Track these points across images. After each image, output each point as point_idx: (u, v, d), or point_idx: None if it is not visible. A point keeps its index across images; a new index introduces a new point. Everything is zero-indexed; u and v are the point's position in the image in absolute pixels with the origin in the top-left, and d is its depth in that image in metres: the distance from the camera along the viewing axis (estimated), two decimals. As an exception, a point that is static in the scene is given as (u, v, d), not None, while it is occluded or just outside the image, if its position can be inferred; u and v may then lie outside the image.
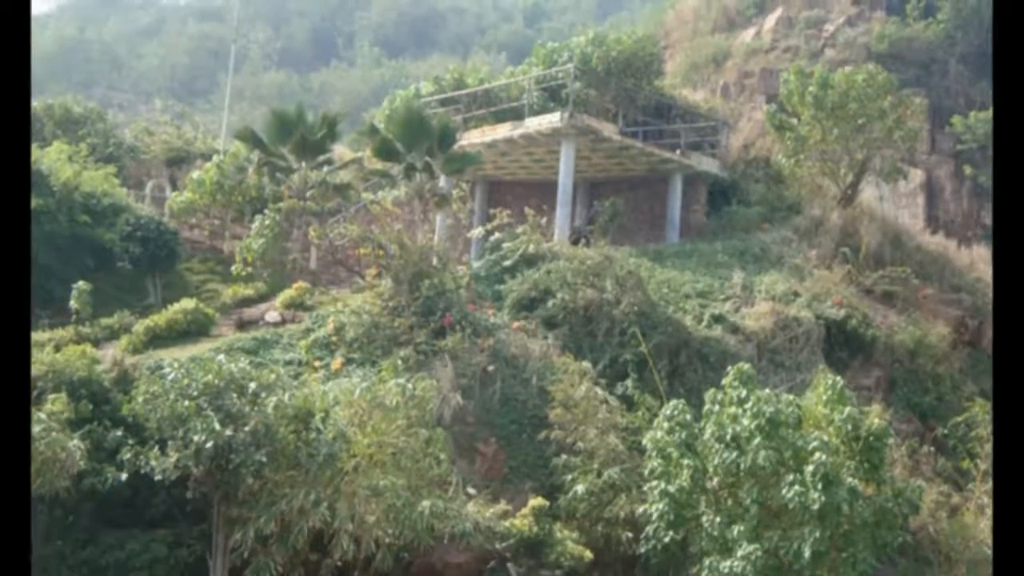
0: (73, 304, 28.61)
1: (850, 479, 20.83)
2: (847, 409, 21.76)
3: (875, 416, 23.87)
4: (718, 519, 21.21)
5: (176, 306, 29.45)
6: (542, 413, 25.77)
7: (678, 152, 39.03)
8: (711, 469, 21.54)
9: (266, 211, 32.66)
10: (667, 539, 21.72)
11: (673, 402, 22.65)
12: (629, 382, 27.27)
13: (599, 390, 26.17)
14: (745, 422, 21.15)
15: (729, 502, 21.50)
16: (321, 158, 34.71)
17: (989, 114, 40.66)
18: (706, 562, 21.12)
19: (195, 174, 38.97)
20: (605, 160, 39.32)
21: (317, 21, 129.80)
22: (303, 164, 34.07)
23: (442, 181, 35.05)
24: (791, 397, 22.23)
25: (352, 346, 27.21)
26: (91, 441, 21.95)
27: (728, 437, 21.26)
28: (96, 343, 27.39)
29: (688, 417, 22.11)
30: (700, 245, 36.36)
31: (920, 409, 31.28)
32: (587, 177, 40.85)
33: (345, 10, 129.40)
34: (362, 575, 21.03)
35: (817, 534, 20.29)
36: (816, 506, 20.19)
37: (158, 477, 21.14)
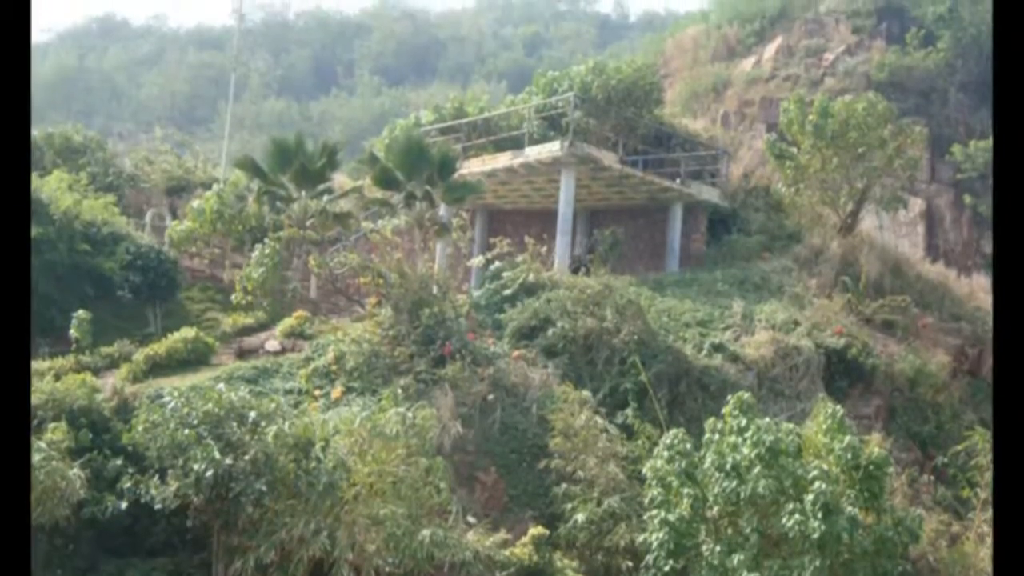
0: (73, 333, 28.67)
1: (850, 508, 20.78)
2: (847, 438, 21.71)
3: (875, 445, 23.89)
4: (718, 548, 21.12)
5: (176, 335, 29.42)
6: (542, 442, 25.75)
7: (678, 181, 39.08)
8: (711, 498, 21.49)
9: (266, 240, 32.69)
10: (667, 568, 21.59)
11: (673, 431, 22.59)
12: (629, 411, 27.18)
13: (599, 419, 26.18)
14: (745, 451, 21.12)
15: (729, 531, 21.43)
16: (321, 187, 34.76)
17: (989, 143, 40.71)
18: (707, 591, 21.10)
19: (195, 203, 38.96)
20: (605, 189, 39.36)
21: (317, 50, 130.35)
22: (303, 193, 34.12)
23: (442, 210, 35.12)
24: (791, 426, 22.21)
25: (352, 375, 27.20)
26: (91, 470, 21.92)
27: (728, 466, 21.21)
28: (96, 372, 27.32)
29: (688, 446, 22.04)
30: (700, 274, 36.33)
31: (920, 438, 31.19)
32: (587, 206, 40.88)
33: (345, 39, 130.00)
34: (362, 604, 20.99)
35: (817, 563, 20.21)
36: (816, 535, 20.14)
37: (158, 506, 21.19)
